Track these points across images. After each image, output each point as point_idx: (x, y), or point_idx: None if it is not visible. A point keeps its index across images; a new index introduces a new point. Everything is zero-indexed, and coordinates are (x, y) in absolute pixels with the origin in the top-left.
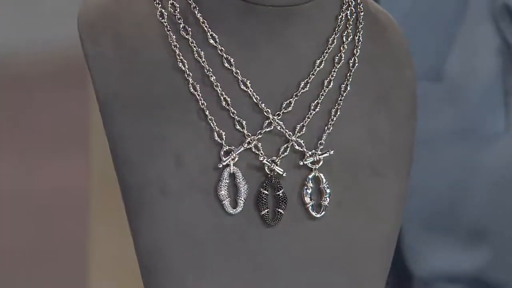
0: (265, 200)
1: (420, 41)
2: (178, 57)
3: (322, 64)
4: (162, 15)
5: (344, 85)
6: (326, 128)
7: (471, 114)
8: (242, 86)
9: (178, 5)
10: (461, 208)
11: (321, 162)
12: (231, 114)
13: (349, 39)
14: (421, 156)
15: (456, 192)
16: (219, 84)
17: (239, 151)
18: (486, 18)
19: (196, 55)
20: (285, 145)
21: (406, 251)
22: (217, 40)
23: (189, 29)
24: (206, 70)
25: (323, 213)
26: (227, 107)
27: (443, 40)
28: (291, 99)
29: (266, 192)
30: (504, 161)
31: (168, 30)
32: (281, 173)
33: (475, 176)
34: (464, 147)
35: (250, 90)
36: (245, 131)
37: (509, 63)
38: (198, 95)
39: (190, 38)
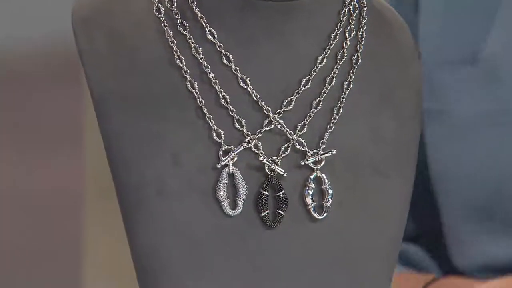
0: (265, 201)
1: (457, 24)
2: (175, 54)
3: (324, 61)
4: (159, 10)
5: (346, 83)
6: (328, 127)
7: (501, 98)
8: (242, 84)
9: (175, 0)
10: (507, 197)
11: (323, 162)
12: (230, 112)
13: (352, 35)
14: (461, 143)
15: (500, 180)
16: (217, 81)
17: (238, 150)
18: None
19: (194, 51)
20: (285, 145)
21: (450, 244)
22: (216, 36)
23: (187, 24)
24: (204, 67)
25: (325, 214)
26: (226, 105)
27: (481, 22)
28: (292, 97)
29: (266, 193)
30: None
31: (165, 26)
32: (282, 173)
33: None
34: (504, 131)
35: (250, 88)
36: (245, 130)
37: None
38: (196, 92)
39: (187, 34)
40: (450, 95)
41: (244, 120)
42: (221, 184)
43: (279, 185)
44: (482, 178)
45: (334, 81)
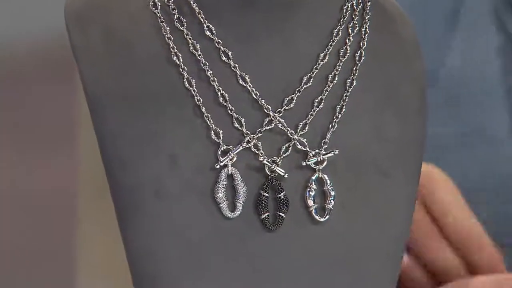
0: (265, 203)
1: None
2: (172, 50)
3: (326, 58)
4: (155, 5)
5: (349, 80)
6: (330, 126)
7: (473, 118)
8: (241, 81)
9: None
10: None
11: (325, 163)
12: (229, 111)
13: (355, 31)
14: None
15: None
16: (216, 79)
17: (237, 150)
18: (486, 14)
19: (191, 48)
20: (286, 144)
21: None
22: (214, 32)
23: (184, 20)
24: (202, 64)
25: (327, 217)
26: (225, 104)
27: (440, 41)
28: (293, 95)
29: (267, 194)
30: (509, 170)
31: (162, 21)
32: (283, 174)
33: (480, 186)
34: (467, 153)
35: (249, 86)
36: (244, 129)
37: (510, 62)
38: (194, 90)
39: (185, 30)
40: None
41: (243, 119)
42: (219, 185)
43: (280, 186)
44: None
45: (336, 79)
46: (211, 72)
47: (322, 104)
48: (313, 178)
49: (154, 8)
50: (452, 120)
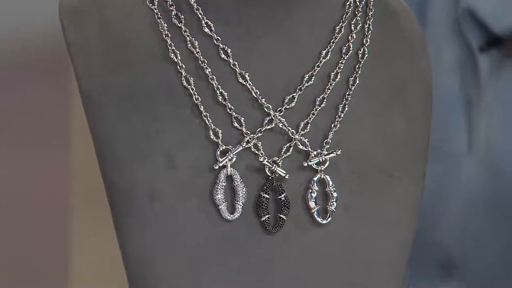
0: (265, 205)
1: None
2: (169, 47)
3: (328, 55)
4: (152, 1)
5: (352, 78)
6: (332, 125)
7: (434, 131)
8: (240, 80)
9: None
10: (428, 238)
11: (327, 163)
12: (228, 110)
13: (358, 28)
14: None
15: (422, 221)
16: (214, 77)
17: (236, 150)
18: (447, 26)
19: (189, 45)
20: (287, 144)
21: None
22: (213, 28)
23: (182, 16)
24: (200, 62)
25: (329, 219)
26: (224, 103)
27: None
28: (294, 94)
29: (267, 196)
30: (467, 186)
31: (159, 18)
32: (283, 175)
33: (439, 202)
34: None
35: (249, 84)
36: (244, 129)
37: (470, 76)
38: (192, 89)
39: (183, 27)
40: None
41: (243, 119)
42: (218, 187)
43: (281, 187)
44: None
45: (339, 77)
46: (209, 70)
47: (324, 103)
48: (315, 179)
49: (151, 4)
50: None
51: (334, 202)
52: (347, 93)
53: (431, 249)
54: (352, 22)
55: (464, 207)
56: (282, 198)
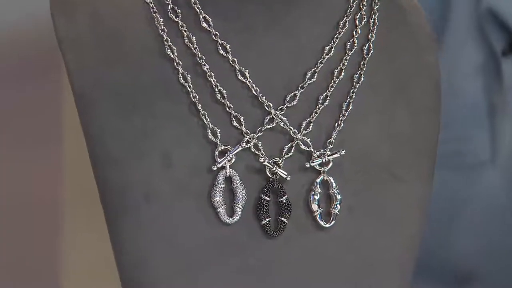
0: (266, 208)
1: None
2: (166, 43)
3: (332, 52)
4: None
5: (357, 75)
6: (336, 124)
7: (455, 137)
8: (240, 77)
9: None
10: (447, 249)
11: (330, 164)
12: (227, 109)
13: (363, 22)
14: None
15: (440, 230)
16: (213, 74)
17: (236, 151)
18: (469, 33)
19: (186, 40)
20: (289, 144)
21: None
22: (211, 23)
23: (179, 11)
24: (198, 58)
25: (333, 222)
26: (223, 101)
27: None
28: (296, 92)
29: (268, 198)
30: (490, 195)
31: (155, 12)
32: (285, 176)
33: (460, 212)
34: (448, 175)
35: (249, 81)
36: (243, 128)
37: (493, 80)
38: (189, 86)
39: (179, 21)
40: None
41: (242, 117)
42: (217, 189)
43: (282, 189)
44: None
45: (342, 74)
46: (207, 66)
47: (328, 101)
48: (318, 180)
49: None
50: None
51: (337, 205)
52: (351, 90)
53: (449, 260)
54: (357, 17)
55: (485, 217)
56: (284, 201)
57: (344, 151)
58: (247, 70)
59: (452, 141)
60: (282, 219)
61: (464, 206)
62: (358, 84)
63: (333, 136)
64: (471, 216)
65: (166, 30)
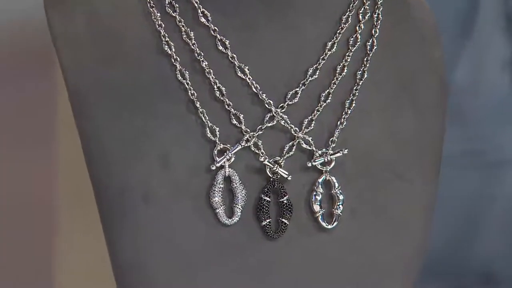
0: (266, 209)
1: None
2: (163, 39)
3: (334, 47)
4: None
5: (360, 72)
6: (338, 123)
7: (480, 135)
8: (240, 73)
9: None
10: (469, 250)
11: (332, 163)
12: (226, 106)
13: (366, 17)
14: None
15: (463, 231)
16: (211, 71)
17: (235, 150)
18: (496, 29)
19: (184, 36)
20: (290, 143)
21: None
22: (210, 19)
23: (177, 5)
24: (196, 54)
25: (335, 223)
26: (222, 98)
27: (450, 52)
28: (297, 89)
29: (268, 198)
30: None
31: (152, 7)
32: (286, 176)
33: (484, 211)
34: (472, 174)
35: (249, 78)
36: (243, 127)
37: None
38: (187, 83)
39: (177, 16)
40: None
41: (242, 115)
42: (215, 189)
43: (283, 189)
44: (440, 227)
45: (345, 71)
46: (206, 63)
47: (330, 98)
48: (320, 180)
49: None
50: (455, 135)
51: (340, 206)
52: (354, 87)
53: (470, 263)
54: (360, 12)
55: (509, 219)
56: (284, 201)
57: (346, 150)
58: (247, 67)
59: (475, 139)
60: (283, 220)
61: (488, 206)
62: (361, 81)
63: (335, 135)
64: (495, 215)
65: (163, 25)
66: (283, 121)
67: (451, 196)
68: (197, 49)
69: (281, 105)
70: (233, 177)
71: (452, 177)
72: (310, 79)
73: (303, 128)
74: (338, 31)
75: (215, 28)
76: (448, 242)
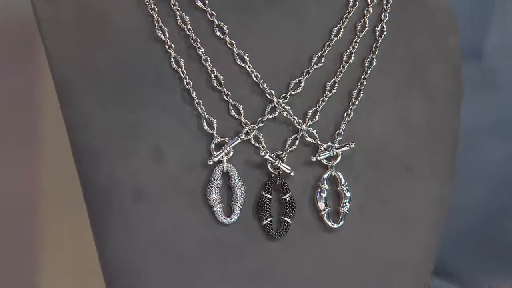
0: (267, 207)
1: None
2: (156, 24)
3: (341, 33)
4: None
5: (368, 60)
6: (345, 114)
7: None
8: (239, 61)
9: None
10: (493, 229)
11: (339, 158)
12: (225, 97)
13: (375, 1)
14: (467, 156)
15: (497, 202)
16: (208, 58)
17: (234, 143)
18: None
19: (179, 21)
20: (293, 136)
21: (438, 274)
22: (206, 2)
23: None
24: (192, 40)
25: (341, 222)
26: (219, 88)
27: (482, 15)
28: (300, 78)
29: (269, 196)
30: None
31: None
32: (288, 171)
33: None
34: (504, 143)
35: (249, 66)
36: (242, 118)
37: None
38: (183, 72)
39: (172, 0)
40: None
41: (241, 106)
42: (213, 185)
43: (285, 186)
44: (473, 199)
45: (353, 58)
46: (202, 49)
47: (336, 88)
48: (325, 176)
49: None
50: (486, 104)
51: (347, 203)
52: (362, 76)
53: (494, 242)
54: None
55: None
56: (287, 199)
57: (354, 143)
58: (247, 54)
59: (506, 105)
60: (285, 219)
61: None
62: (370, 69)
63: (341, 127)
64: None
65: (156, 9)
66: (286, 113)
67: (484, 166)
68: (193, 35)
69: (284, 95)
70: (231, 173)
71: (489, 146)
72: (315, 67)
73: (307, 120)
74: (345, 16)
75: (212, 12)
76: (481, 212)
